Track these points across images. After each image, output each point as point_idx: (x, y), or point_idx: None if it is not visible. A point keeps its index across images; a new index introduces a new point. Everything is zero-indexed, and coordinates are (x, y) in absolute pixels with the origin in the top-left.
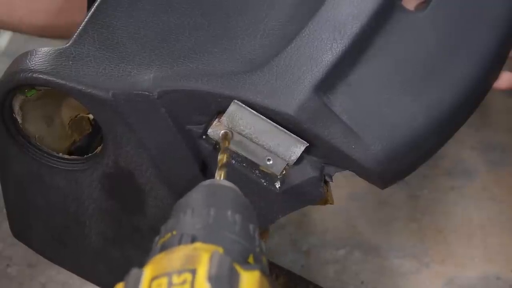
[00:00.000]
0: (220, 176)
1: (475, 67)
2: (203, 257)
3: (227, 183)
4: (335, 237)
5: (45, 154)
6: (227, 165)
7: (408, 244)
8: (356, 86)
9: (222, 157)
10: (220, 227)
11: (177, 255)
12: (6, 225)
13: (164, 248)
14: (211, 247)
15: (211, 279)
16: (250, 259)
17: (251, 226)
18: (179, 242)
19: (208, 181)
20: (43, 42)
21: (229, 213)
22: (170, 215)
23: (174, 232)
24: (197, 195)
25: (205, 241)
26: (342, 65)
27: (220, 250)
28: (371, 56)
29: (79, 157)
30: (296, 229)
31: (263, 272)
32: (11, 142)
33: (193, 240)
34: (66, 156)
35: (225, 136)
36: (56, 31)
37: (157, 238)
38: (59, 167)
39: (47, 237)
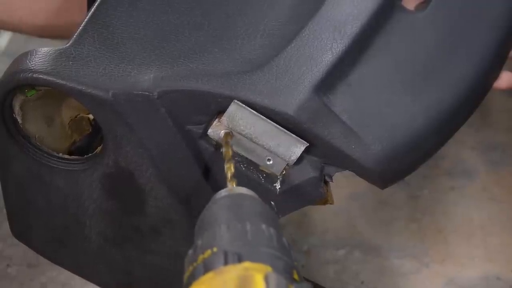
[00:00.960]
0: (232, 186)
1: (475, 67)
2: (257, 278)
3: (249, 192)
4: (335, 237)
5: (45, 154)
6: (235, 175)
7: (408, 244)
8: (356, 86)
9: (229, 166)
10: (260, 243)
11: (230, 277)
12: (6, 225)
13: (209, 267)
14: (261, 267)
15: None
16: (295, 275)
17: (284, 239)
18: (225, 261)
19: (227, 190)
20: (43, 42)
21: (263, 227)
22: (197, 228)
23: (215, 249)
24: (224, 207)
25: (252, 260)
26: (342, 65)
27: (269, 269)
28: (371, 56)
29: (79, 157)
30: (296, 229)
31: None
32: (11, 142)
33: (240, 259)
34: (66, 156)
35: (227, 142)
36: (56, 31)
37: (191, 252)
38: (59, 167)
39: (47, 237)
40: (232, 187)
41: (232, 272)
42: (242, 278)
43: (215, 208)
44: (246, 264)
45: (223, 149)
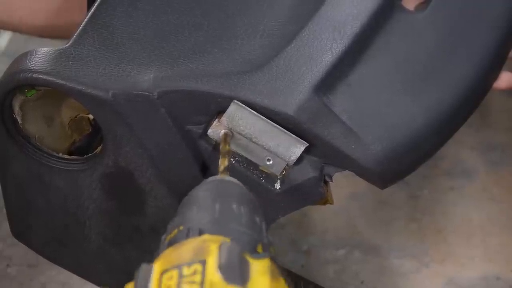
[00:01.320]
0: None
1: (474, 67)
2: (212, 248)
3: (230, 178)
4: (335, 237)
5: (45, 154)
6: (228, 169)
7: (408, 244)
8: (356, 86)
9: (223, 161)
10: (226, 220)
11: (186, 248)
12: (6, 225)
13: (172, 243)
14: (219, 238)
15: (221, 268)
16: (259, 249)
17: (257, 218)
18: (187, 236)
19: (211, 178)
20: (43, 42)
21: (234, 205)
22: (175, 215)
23: (181, 228)
24: (201, 191)
25: (212, 233)
26: (342, 65)
27: (228, 240)
28: (371, 56)
29: (79, 157)
30: (296, 229)
31: (273, 260)
32: (11, 142)
33: (201, 233)
34: (66, 156)
35: (225, 138)
36: (56, 31)
37: (163, 236)
38: (59, 167)
39: (47, 237)
40: (219, 175)
41: (190, 244)
42: (197, 248)
43: (191, 193)
44: (205, 237)
45: (220, 158)
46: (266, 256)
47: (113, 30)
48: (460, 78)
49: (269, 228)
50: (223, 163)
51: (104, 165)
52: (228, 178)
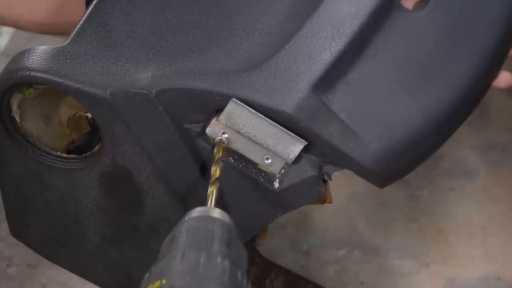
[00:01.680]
0: (212, 193)
1: (473, 66)
2: None
3: (217, 214)
4: (335, 237)
5: (43, 153)
6: (220, 179)
7: (408, 244)
8: (354, 84)
9: (215, 169)
10: (210, 279)
11: None
12: (5, 224)
13: None
14: None
15: None
16: None
17: (239, 273)
18: None
19: (198, 212)
20: (44, 41)
21: (218, 260)
22: (161, 249)
23: (164, 282)
24: (188, 232)
25: None
26: (340, 63)
27: None
28: (370, 55)
29: (77, 155)
30: (296, 229)
31: None
32: (9, 141)
33: None
34: (64, 155)
35: (219, 145)
36: (57, 28)
37: (146, 277)
38: (57, 166)
39: (46, 236)
40: (207, 208)
41: None
42: None
43: (180, 230)
44: None
45: (212, 166)
46: None
47: (111, 28)
48: (459, 77)
49: (269, 228)
50: (214, 173)
51: (102, 163)
52: (215, 213)
